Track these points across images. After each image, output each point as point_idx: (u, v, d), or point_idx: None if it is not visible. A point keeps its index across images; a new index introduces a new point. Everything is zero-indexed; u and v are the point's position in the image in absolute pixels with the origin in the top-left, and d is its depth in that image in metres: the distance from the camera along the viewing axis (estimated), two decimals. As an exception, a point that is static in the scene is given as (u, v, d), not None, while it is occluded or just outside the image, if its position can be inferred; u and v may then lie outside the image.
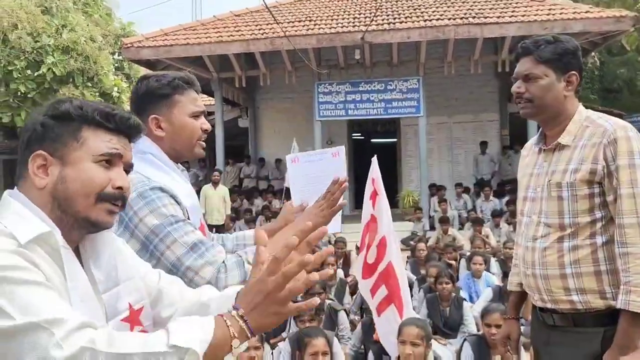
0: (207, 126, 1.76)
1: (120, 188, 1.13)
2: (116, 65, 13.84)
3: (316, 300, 1.08)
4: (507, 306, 2.36)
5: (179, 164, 1.76)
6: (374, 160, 3.80)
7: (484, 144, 12.48)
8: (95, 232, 1.15)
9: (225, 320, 1.02)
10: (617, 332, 1.74)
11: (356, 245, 7.10)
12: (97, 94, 11.35)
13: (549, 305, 1.94)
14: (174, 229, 1.53)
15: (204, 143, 1.79)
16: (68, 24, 11.11)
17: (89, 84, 11.29)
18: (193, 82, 1.75)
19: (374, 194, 3.74)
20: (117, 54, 13.72)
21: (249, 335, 1.04)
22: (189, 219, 1.62)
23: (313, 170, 1.90)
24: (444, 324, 4.82)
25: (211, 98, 12.13)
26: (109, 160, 1.12)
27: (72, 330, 0.92)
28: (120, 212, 1.16)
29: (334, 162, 1.94)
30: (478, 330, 4.44)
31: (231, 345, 1.01)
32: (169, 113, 1.69)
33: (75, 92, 10.46)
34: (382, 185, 3.75)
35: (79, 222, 1.10)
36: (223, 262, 1.54)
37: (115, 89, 11.94)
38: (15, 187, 1.12)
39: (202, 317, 1.03)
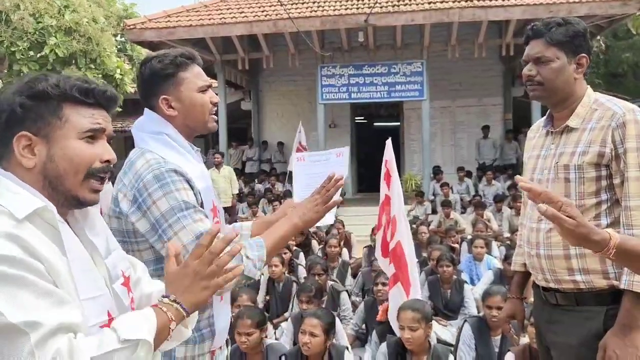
0: (216, 99, 1.79)
1: (107, 161, 1.17)
2: (119, 47, 13.77)
3: (240, 267, 1.20)
4: (510, 286, 2.38)
5: (192, 145, 1.77)
6: (388, 142, 3.89)
7: (486, 128, 12.47)
8: (81, 208, 1.19)
9: (161, 308, 1.12)
10: (620, 312, 1.76)
11: (372, 229, 7.14)
12: (100, 75, 11.29)
13: (552, 285, 1.96)
14: (184, 215, 1.54)
15: (215, 117, 1.81)
16: (70, 4, 11.00)
17: (92, 66, 11.22)
18: (194, 56, 1.76)
19: (388, 175, 3.81)
20: (119, 35, 13.65)
21: (185, 315, 1.14)
22: (202, 201, 1.64)
23: (317, 170, 1.92)
24: (445, 306, 4.86)
25: (214, 80, 12.08)
26: (92, 136, 1.15)
27: (51, 332, 0.94)
28: (106, 181, 1.20)
29: (337, 162, 1.97)
30: (479, 313, 4.49)
31: (169, 328, 1.11)
32: (177, 92, 1.70)
33: (78, 74, 10.41)
34: (395, 166, 3.82)
35: (68, 200, 1.14)
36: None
37: (118, 70, 11.87)
38: None
39: (141, 310, 1.11)
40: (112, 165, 1.18)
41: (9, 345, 0.92)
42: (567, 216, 1.15)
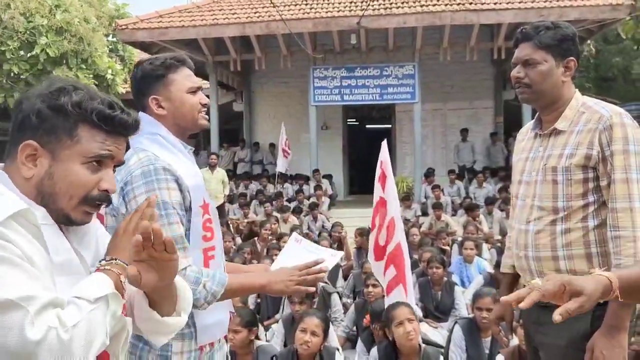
0: (206, 100, 1.85)
1: (106, 191, 1.14)
2: (110, 47, 13.71)
3: (154, 212, 1.26)
4: (500, 288, 2.39)
5: (185, 144, 1.82)
6: (384, 144, 3.89)
7: (464, 131, 12.53)
8: (70, 226, 1.17)
9: (105, 267, 1.14)
10: (607, 313, 1.77)
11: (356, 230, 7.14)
12: (91, 75, 11.24)
13: (540, 287, 1.98)
14: (160, 215, 1.57)
15: (206, 116, 1.86)
16: (61, 4, 10.95)
17: (83, 66, 11.18)
18: (185, 60, 1.83)
19: (383, 177, 3.81)
20: (111, 35, 13.59)
21: (126, 265, 1.14)
22: (190, 198, 1.68)
23: (306, 257, 1.95)
24: (436, 307, 4.88)
25: (206, 81, 12.05)
26: (99, 161, 1.12)
27: (43, 307, 0.96)
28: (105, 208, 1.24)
29: (329, 256, 2.00)
30: (469, 315, 4.51)
31: (122, 282, 1.13)
32: (166, 92, 1.77)
33: (69, 74, 10.37)
34: (391, 168, 3.82)
35: (59, 217, 1.12)
36: (184, 269, 1.58)
37: (109, 71, 11.83)
38: (3, 164, 1.13)
39: (90, 276, 1.12)
40: (110, 196, 1.17)
41: (7, 319, 0.93)
42: (572, 294, 1.14)
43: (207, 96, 1.89)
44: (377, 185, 3.89)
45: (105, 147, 1.13)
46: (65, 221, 1.14)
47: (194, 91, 1.80)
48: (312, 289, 1.87)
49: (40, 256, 1.04)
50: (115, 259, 1.15)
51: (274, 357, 3.29)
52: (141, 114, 1.76)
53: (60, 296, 1.02)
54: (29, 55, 10.82)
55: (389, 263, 3.66)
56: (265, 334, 4.18)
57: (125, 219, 1.23)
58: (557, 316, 1.11)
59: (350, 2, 10.85)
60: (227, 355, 1.88)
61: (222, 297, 1.67)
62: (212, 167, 9.71)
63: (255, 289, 1.84)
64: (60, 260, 1.08)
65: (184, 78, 1.79)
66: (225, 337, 1.87)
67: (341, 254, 2.21)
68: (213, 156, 9.98)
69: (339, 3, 10.91)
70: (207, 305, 1.64)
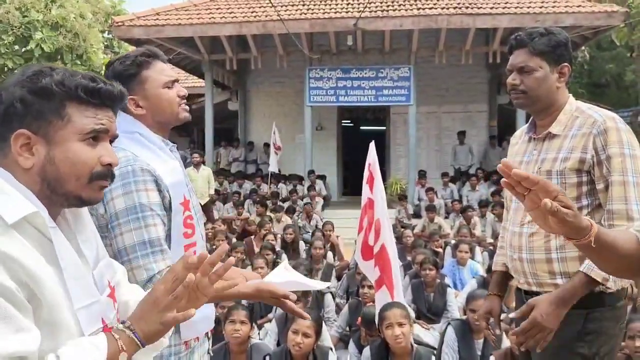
0: (184, 92, 1.80)
1: (109, 164, 1.11)
2: (105, 43, 13.67)
3: (191, 312, 1.09)
4: (489, 285, 2.41)
5: (167, 141, 1.79)
6: (372, 145, 3.89)
7: (461, 134, 12.58)
8: (82, 207, 1.15)
9: (114, 335, 1.05)
10: (566, 286, 1.83)
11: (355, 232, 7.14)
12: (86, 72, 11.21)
13: (534, 289, 2.00)
14: (136, 218, 1.56)
15: (187, 107, 1.82)
16: (57, -1, 10.94)
17: (78, 62, 11.14)
18: (156, 53, 1.78)
19: (371, 178, 3.81)
20: (106, 32, 13.55)
21: (139, 344, 1.06)
22: (170, 197, 1.66)
23: (298, 279, 1.96)
24: (428, 309, 4.91)
25: (201, 80, 12.07)
26: (95, 137, 1.09)
27: None
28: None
29: (316, 283, 2.04)
30: (461, 317, 4.54)
31: (118, 356, 1.03)
32: (142, 90, 1.73)
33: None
34: (379, 169, 3.83)
35: (69, 200, 1.09)
36: (158, 272, 1.56)
37: (104, 67, 11.81)
38: None
39: (94, 337, 1.04)
40: (113, 170, 1.14)
41: None
42: (564, 206, 1.13)
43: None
44: (365, 186, 3.89)
45: (98, 122, 1.09)
46: (77, 203, 1.11)
47: (169, 85, 1.75)
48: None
49: (42, 267, 0.99)
50: (133, 331, 1.06)
51: (268, 356, 3.30)
52: (120, 114, 1.71)
53: (31, 344, 0.94)
54: (23, 50, 10.78)
55: (375, 264, 3.67)
56: (259, 333, 4.18)
57: (159, 283, 1.10)
58: (547, 200, 1.11)
59: (347, 4, 10.88)
60: (208, 350, 1.87)
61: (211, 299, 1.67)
62: (197, 165, 9.68)
63: (239, 296, 1.84)
64: (64, 265, 1.04)
65: (158, 73, 1.74)
66: (207, 334, 1.85)
67: (328, 284, 2.24)
68: (195, 155, 9.95)
69: (336, 4, 10.94)
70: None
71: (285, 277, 1.88)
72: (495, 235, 8.03)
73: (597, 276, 1.78)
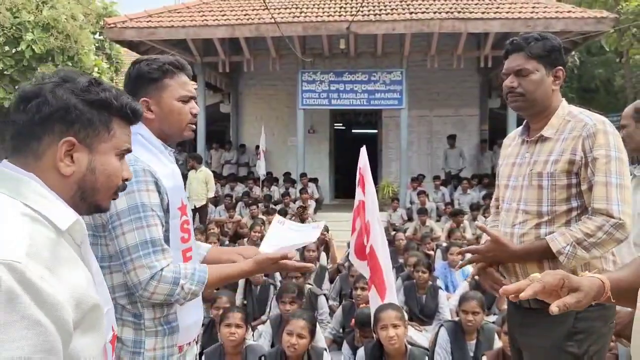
0: (196, 110, 1.82)
1: (126, 179, 1.19)
2: (97, 45, 13.62)
3: None
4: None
5: (167, 147, 1.80)
6: (363, 149, 3.94)
7: (452, 138, 12.66)
8: (94, 214, 1.22)
9: None
10: (525, 246, 1.95)
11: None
12: (77, 73, 11.14)
13: (525, 289, 2.03)
14: (138, 218, 1.58)
15: (193, 126, 1.84)
16: (49, 0, 10.87)
17: (69, 63, 11.05)
18: (184, 66, 1.80)
19: (362, 182, 3.85)
20: (98, 33, 13.50)
21: None
22: (168, 200, 1.68)
23: (291, 235, 2.00)
24: (420, 310, 4.93)
25: (194, 82, 12.02)
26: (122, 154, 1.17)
27: None
28: None
29: (311, 231, 2.05)
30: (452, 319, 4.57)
31: None
32: (158, 96, 1.75)
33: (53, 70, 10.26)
34: (370, 173, 3.87)
35: (90, 209, 1.14)
36: (161, 270, 1.58)
37: (96, 69, 11.75)
38: (11, 161, 1.04)
39: None
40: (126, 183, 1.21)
41: None
42: (571, 289, 1.19)
43: (195, 97, 1.87)
44: (357, 189, 3.94)
45: (129, 140, 1.18)
46: (95, 211, 1.16)
47: (186, 100, 1.77)
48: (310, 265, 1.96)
49: (81, 271, 0.99)
50: None
51: (263, 357, 3.31)
52: None
53: None
54: (14, 51, 10.69)
55: (368, 264, 3.70)
56: (253, 335, 4.19)
57: None
58: (554, 307, 1.15)
59: (340, 8, 10.93)
60: (196, 356, 1.89)
61: (207, 289, 1.69)
62: (192, 167, 9.67)
63: (243, 275, 1.86)
64: (93, 271, 1.09)
65: (179, 85, 1.76)
66: (196, 338, 1.87)
67: (323, 223, 2.27)
68: (189, 159, 9.95)
69: (329, 8, 10.99)
70: (184, 301, 1.65)
71: (277, 243, 1.91)
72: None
73: (554, 247, 1.87)
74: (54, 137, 1.04)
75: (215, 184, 11.73)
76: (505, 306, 2.32)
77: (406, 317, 4.45)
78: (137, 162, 1.62)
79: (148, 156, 1.68)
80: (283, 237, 1.97)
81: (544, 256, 1.90)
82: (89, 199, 1.10)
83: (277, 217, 2.11)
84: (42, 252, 0.90)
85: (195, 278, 1.64)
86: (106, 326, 1.09)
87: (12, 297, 0.82)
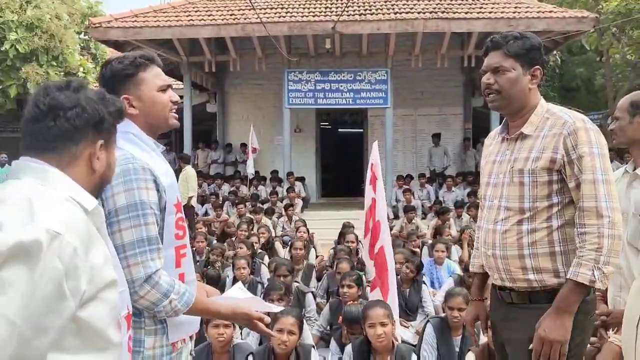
0: (176, 98, 1.85)
1: None
2: (82, 45, 13.52)
3: None
4: (471, 289, 2.48)
5: (157, 143, 1.83)
6: (374, 145, 3.84)
7: (436, 137, 12.76)
8: None
9: None
10: (558, 296, 1.90)
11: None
12: (62, 73, 11.08)
13: (507, 284, 2.08)
14: (136, 215, 1.60)
15: (176, 114, 1.87)
16: (32, 0, 10.79)
17: (54, 63, 11.01)
18: (154, 58, 1.83)
19: (374, 179, 3.78)
20: (83, 33, 13.40)
21: None
22: (166, 198, 1.70)
23: (256, 299, 2.08)
24: (405, 304, 5.01)
25: (180, 82, 12.00)
26: None
27: None
28: None
29: (268, 308, 2.10)
30: (436, 314, 4.65)
31: None
32: (137, 91, 1.77)
33: (39, 71, 10.20)
34: (381, 170, 3.79)
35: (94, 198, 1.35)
36: (156, 273, 1.61)
37: (81, 68, 11.69)
38: (32, 157, 1.21)
39: None
40: None
41: None
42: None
43: (181, 96, 1.91)
44: (368, 187, 3.84)
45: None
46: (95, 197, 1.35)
47: (164, 89, 1.80)
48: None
49: (103, 250, 1.18)
50: None
51: (251, 355, 3.34)
52: None
53: None
54: (-3, 50, 10.61)
55: (374, 264, 3.68)
56: (241, 333, 4.23)
57: None
58: None
59: (326, 8, 10.97)
60: (191, 352, 1.93)
61: (187, 313, 1.72)
62: (180, 167, 9.65)
63: (217, 316, 1.97)
64: (111, 253, 1.32)
65: (154, 76, 1.79)
66: (191, 336, 1.89)
67: (281, 308, 2.43)
68: (176, 158, 9.95)
69: (315, 8, 11.02)
70: (166, 317, 1.68)
71: (243, 295, 1.97)
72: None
73: (583, 280, 1.85)
74: (88, 140, 1.26)
75: (202, 183, 11.73)
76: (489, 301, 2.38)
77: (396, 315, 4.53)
78: (136, 160, 1.65)
79: (143, 154, 1.70)
80: (246, 294, 2.01)
81: (582, 292, 1.88)
82: (101, 188, 1.35)
83: (239, 284, 2.13)
84: (80, 228, 1.10)
85: (184, 298, 1.66)
86: (120, 304, 1.27)
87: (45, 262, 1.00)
